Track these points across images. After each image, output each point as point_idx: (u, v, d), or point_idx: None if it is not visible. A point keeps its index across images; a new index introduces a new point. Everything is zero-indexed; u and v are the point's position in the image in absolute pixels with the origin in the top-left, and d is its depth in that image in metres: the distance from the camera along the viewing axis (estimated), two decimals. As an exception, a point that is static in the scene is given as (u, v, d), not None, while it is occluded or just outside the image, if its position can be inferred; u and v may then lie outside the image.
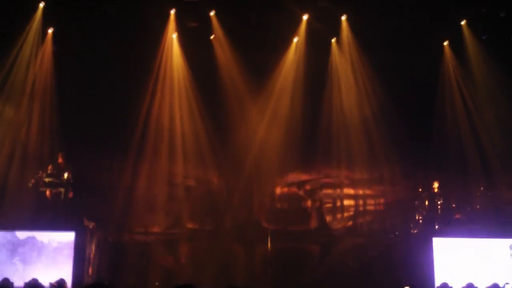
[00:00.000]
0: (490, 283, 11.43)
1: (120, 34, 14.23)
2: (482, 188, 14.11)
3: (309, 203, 15.65)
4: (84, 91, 14.37)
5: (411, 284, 10.25)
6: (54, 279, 10.53)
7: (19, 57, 14.26)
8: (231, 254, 14.58)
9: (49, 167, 13.15)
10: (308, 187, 15.77)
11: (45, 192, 13.02)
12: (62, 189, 12.94)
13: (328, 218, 15.51)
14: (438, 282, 12.23)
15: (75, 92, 14.31)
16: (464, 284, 11.43)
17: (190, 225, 15.02)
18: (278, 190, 15.67)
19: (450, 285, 11.37)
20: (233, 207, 15.36)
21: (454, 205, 14.01)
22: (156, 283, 12.80)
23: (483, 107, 14.91)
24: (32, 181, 12.97)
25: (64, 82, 14.42)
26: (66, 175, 12.99)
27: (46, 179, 12.95)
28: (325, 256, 14.67)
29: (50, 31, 14.64)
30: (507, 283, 11.88)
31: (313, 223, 15.48)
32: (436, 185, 14.06)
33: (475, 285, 11.23)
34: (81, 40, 14.43)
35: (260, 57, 15.00)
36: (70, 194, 13.07)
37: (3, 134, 14.03)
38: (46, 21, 14.36)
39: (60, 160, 13.28)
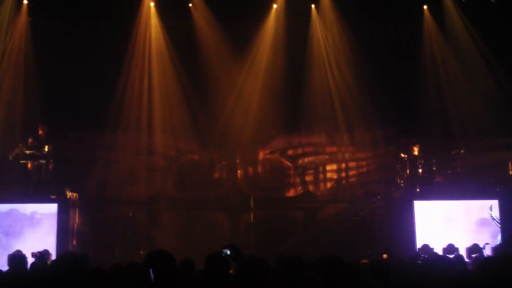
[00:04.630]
0: (470, 244, 11.64)
1: (97, 3, 14.01)
2: (462, 151, 14.21)
3: (291, 169, 15.71)
4: (62, 62, 14.13)
5: (389, 249, 10.37)
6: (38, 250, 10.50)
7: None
8: (215, 222, 14.65)
9: (30, 139, 13.01)
10: (290, 153, 15.83)
11: (26, 164, 12.91)
12: (43, 161, 12.83)
13: (311, 184, 15.61)
14: (419, 244, 12.39)
15: (54, 64, 14.09)
16: (445, 245, 11.61)
17: (173, 195, 15.03)
18: (261, 157, 15.70)
19: (431, 246, 11.55)
20: (216, 176, 15.39)
21: (435, 168, 14.12)
22: (141, 252, 12.83)
23: (464, 70, 14.97)
24: (13, 153, 12.83)
25: (41, 54, 14.20)
26: (47, 147, 12.84)
27: (27, 151, 12.81)
28: (308, 221, 14.81)
29: (25, 1, 14.38)
30: (487, 244, 12.09)
31: (296, 189, 15.57)
32: (416, 149, 14.15)
33: (456, 246, 11.41)
34: (57, 11, 14.22)
35: (239, 24, 14.88)
36: (51, 166, 12.96)
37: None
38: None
39: (40, 132, 13.12)
